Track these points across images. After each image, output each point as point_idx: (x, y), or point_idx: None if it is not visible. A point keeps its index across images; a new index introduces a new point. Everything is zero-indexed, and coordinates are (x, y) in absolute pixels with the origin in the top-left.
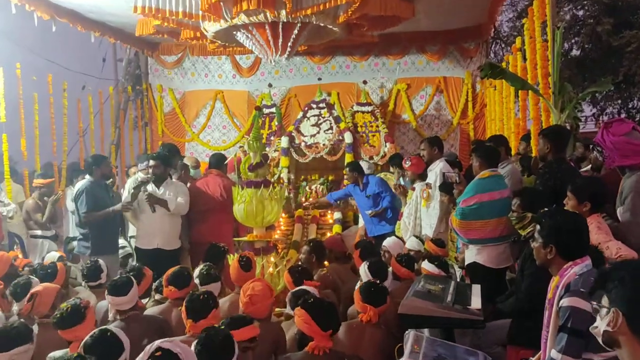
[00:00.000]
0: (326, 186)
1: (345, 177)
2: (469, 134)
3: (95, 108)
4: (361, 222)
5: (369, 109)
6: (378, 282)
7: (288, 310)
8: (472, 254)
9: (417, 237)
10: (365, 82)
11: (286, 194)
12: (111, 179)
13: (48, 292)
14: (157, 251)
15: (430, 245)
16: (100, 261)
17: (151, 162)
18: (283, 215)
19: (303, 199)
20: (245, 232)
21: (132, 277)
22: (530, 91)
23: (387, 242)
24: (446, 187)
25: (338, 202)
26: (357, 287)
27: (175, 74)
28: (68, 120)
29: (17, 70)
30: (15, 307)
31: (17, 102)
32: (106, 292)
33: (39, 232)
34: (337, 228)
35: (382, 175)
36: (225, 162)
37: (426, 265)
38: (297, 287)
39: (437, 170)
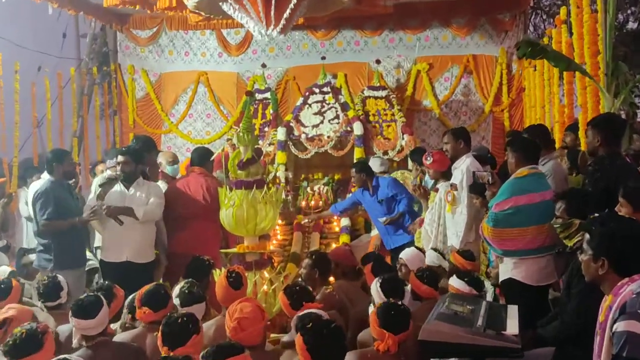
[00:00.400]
0: (331, 187)
1: (352, 178)
2: (504, 123)
3: (54, 93)
4: (374, 230)
5: (383, 93)
6: (400, 303)
7: (288, 337)
8: (507, 269)
9: (435, 249)
10: (378, 62)
11: (283, 196)
12: (74, 179)
13: (24, 317)
14: (127, 265)
15: (458, 258)
16: (60, 277)
17: (119, 158)
18: (279, 222)
19: (303, 203)
20: (234, 242)
21: (101, 297)
22: (577, 72)
23: (405, 254)
24: (477, 188)
25: (344, 214)
26: (372, 308)
27: (149, 52)
28: (20, 108)
29: None
30: None
31: None
32: (70, 314)
33: None
34: (344, 237)
35: (399, 174)
36: (212, 159)
37: (454, 282)
38: (295, 310)
39: (463, 167)
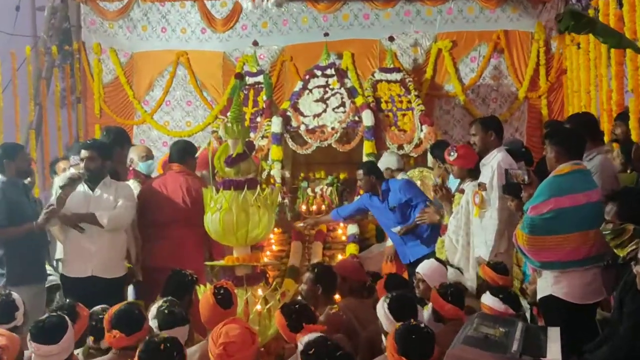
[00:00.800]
0: (336, 188)
1: (359, 181)
2: (541, 112)
3: (6, 77)
4: (389, 240)
5: (398, 76)
6: (423, 325)
7: None
8: (546, 284)
9: (452, 265)
10: (391, 39)
11: (279, 199)
12: (29, 178)
13: (14, 344)
14: (92, 280)
15: (487, 272)
16: (14, 295)
17: (83, 153)
18: (275, 229)
19: (303, 207)
20: (220, 253)
21: (65, 318)
22: (628, 50)
23: (423, 268)
24: (511, 188)
25: (348, 220)
26: (390, 330)
27: (119, 28)
28: None
29: None
30: None
31: None
32: (28, 338)
33: None
34: (352, 248)
35: (416, 172)
36: (195, 155)
37: (488, 300)
38: (294, 332)
39: (494, 164)
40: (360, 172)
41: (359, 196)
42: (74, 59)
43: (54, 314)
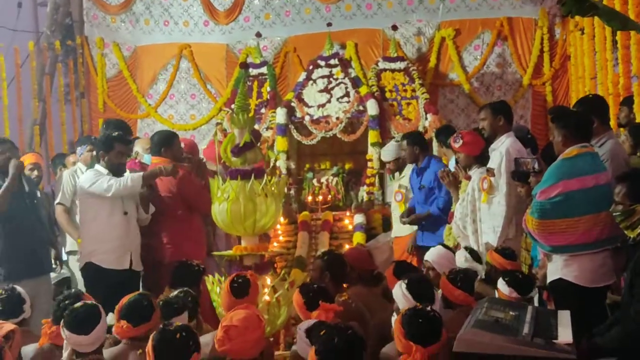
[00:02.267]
0: (341, 178)
1: (402, 152)
2: (546, 99)
3: (10, 73)
4: (398, 229)
5: (401, 65)
6: (430, 308)
7: (294, 347)
8: (556, 268)
9: (467, 248)
10: (395, 28)
11: (285, 189)
12: (36, 172)
13: (19, 332)
14: (129, 275)
15: (496, 258)
16: (19, 289)
17: (78, 150)
18: (281, 220)
19: (309, 198)
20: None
21: (100, 308)
22: (633, 33)
23: (431, 255)
24: (521, 176)
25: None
26: (397, 316)
27: (122, 22)
28: None
29: None
30: None
31: None
32: (63, 326)
33: None
34: (358, 237)
35: None
36: (171, 144)
37: (498, 285)
38: (311, 311)
39: (502, 149)
40: (405, 142)
41: (364, 185)
42: (77, 54)
43: (90, 302)
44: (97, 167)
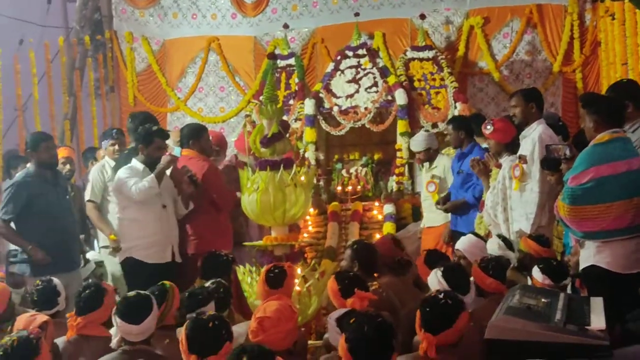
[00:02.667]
0: (371, 169)
1: (447, 136)
2: (576, 86)
3: (40, 69)
4: (431, 219)
5: (430, 54)
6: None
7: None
8: (589, 254)
9: (500, 236)
10: (423, 17)
11: (314, 180)
12: (69, 166)
13: (52, 323)
14: (171, 267)
15: (530, 244)
16: (55, 280)
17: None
18: (311, 210)
19: (338, 188)
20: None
21: (152, 299)
22: None
23: (462, 244)
24: (551, 163)
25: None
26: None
27: (150, 17)
28: (2, 87)
29: None
30: None
31: None
32: (114, 313)
33: None
34: (388, 227)
35: (452, 150)
36: (199, 136)
37: (537, 275)
38: (345, 298)
39: (535, 136)
40: (450, 126)
41: (393, 175)
42: (107, 49)
43: (144, 292)
44: (134, 162)
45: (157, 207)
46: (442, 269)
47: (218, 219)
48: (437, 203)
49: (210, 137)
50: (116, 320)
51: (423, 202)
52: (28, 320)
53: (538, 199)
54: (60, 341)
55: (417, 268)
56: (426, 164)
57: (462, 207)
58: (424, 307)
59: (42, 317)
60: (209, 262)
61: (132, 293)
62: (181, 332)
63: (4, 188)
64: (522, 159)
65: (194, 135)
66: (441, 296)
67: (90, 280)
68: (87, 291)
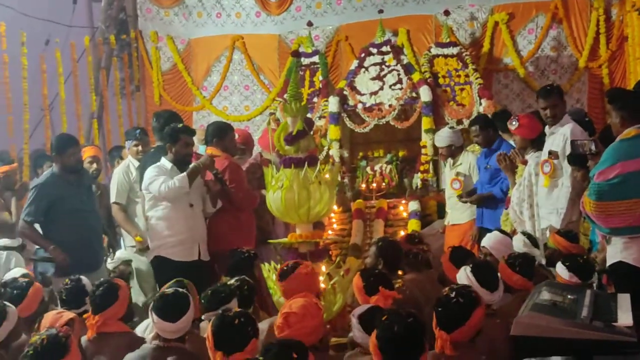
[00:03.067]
0: (395, 166)
1: (474, 137)
2: (602, 81)
3: (66, 68)
4: (456, 216)
5: (454, 51)
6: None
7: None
8: (616, 250)
9: (525, 233)
10: (447, 13)
11: (339, 178)
12: (95, 168)
13: (79, 320)
14: (198, 265)
15: (559, 240)
16: (84, 280)
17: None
18: (335, 208)
19: (363, 186)
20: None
21: (189, 297)
22: None
23: (488, 241)
24: (577, 159)
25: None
26: None
27: (174, 15)
28: (29, 86)
29: None
30: None
31: None
32: (151, 309)
33: (0, 242)
34: (413, 224)
35: (477, 147)
36: (223, 135)
37: (563, 272)
38: (369, 296)
39: (565, 131)
40: (476, 127)
41: (418, 172)
42: (132, 48)
43: (181, 290)
44: (162, 161)
45: (184, 205)
46: (471, 265)
47: (239, 217)
48: (460, 196)
49: (237, 136)
50: (153, 316)
51: (447, 200)
52: (54, 318)
53: (570, 194)
54: (82, 340)
55: (442, 265)
56: (450, 161)
57: (488, 200)
58: (437, 306)
59: (68, 315)
60: (230, 260)
61: (170, 290)
62: (207, 329)
63: (30, 188)
64: (553, 154)
65: (218, 134)
66: (453, 294)
67: (102, 279)
68: (100, 289)
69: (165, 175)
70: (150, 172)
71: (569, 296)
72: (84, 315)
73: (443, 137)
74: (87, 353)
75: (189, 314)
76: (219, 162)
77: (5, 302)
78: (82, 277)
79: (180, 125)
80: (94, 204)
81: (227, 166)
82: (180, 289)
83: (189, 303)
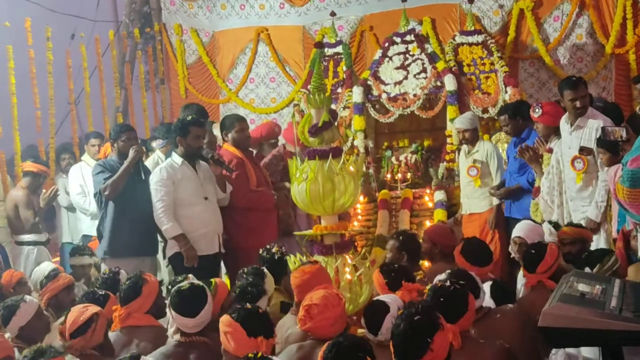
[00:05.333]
0: (420, 156)
1: (504, 127)
2: (629, 67)
3: (91, 63)
4: (475, 205)
5: (479, 39)
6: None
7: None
8: None
9: (552, 222)
10: (471, 2)
11: (364, 169)
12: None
13: (104, 314)
14: (217, 258)
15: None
16: (122, 273)
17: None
18: (361, 199)
19: (388, 176)
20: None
21: (206, 291)
22: None
23: (521, 231)
24: (608, 144)
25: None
26: None
27: (198, 8)
28: (54, 81)
29: None
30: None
31: None
32: (169, 306)
33: (27, 237)
34: (439, 214)
35: (502, 136)
36: (233, 129)
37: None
38: (393, 291)
39: (598, 126)
40: (505, 116)
41: (444, 162)
42: (156, 41)
43: (199, 284)
44: (173, 156)
45: (199, 200)
46: (491, 284)
47: (247, 215)
48: (492, 188)
49: (272, 129)
50: (171, 312)
51: (464, 188)
52: (80, 312)
53: (609, 187)
54: (111, 335)
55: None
56: (465, 149)
57: (516, 192)
58: (435, 298)
59: (93, 309)
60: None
61: (185, 285)
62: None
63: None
64: (586, 150)
65: (224, 127)
66: (448, 284)
67: (109, 269)
68: (127, 282)
69: (174, 176)
70: (159, 174)
71: (597, 286)
72: (113, 308)
73: (468, 118)
74: (115, 345)
75: (207, 307)
76: (227, 157)
77: (25, 295)
78: (122, 270)
79: (190, 117)
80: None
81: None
82: (196, 282)
83: (207, 296)
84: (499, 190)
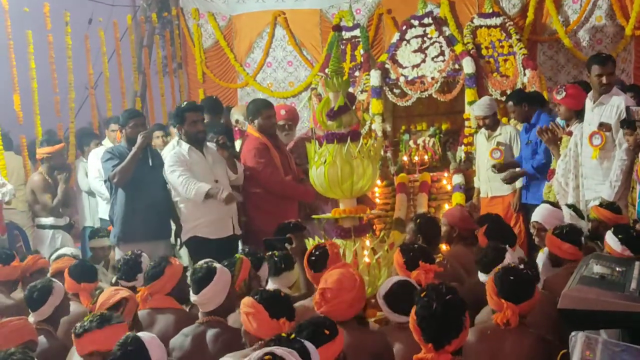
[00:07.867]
0: (438, 139)
1: (511, 113)
2: None
3: (110, 47)
4: (496, 188)
5: (498, 21)
6: (523, 267)
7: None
8: None
9: (570, 206)
10: None
11: (382, 152)
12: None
13: (134, 298)
14: (233, 240)
15: (602, 212)
16: (144, 256)
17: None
18: (379, 182)
19: (405, 159)
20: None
21: (214, 269)
22: None
23: (540, 216)
24: (633, 125)
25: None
26: (490, 275)
27: None
28: (73, 66)
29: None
30: None
31: (4, 43)
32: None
33: (47, 221)
34: (457, 197)
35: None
36: (257, 115)
37: (609, 240)
38: (410, 270)
39: (619, 103)
40: (510, 104)
41: (462, 145)
42: (173, 26)
43: (208, 264)
44: (181, 144)
45: (210, 183)
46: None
47: (265, 199)
48: (494, 166)
49: (282, 111)
50: (191, 294)
51: (484, 172)
52: (110, 295)
53: (625, 166)
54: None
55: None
56: (485, 133)
57: (521, 177)
58: (505, 278)
59: (124, 292)
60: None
61: (200, 263)
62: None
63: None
64: (605, 126)
65: (250, 113)
66: (522, 267)
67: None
68: (152, 263)
69: (185, 163)
70: (171, 159)
71: (617, 269)
72: (138, 288)
73: (485, 105)
74: (142, 326)
75: (210, 286)
76: (249, 142)
77: (51, 278)
78: (144, 253)
79: (185, 103)
80: (162, 180)
81: (244, 145)
82: (208, 264)
83: (212, 275)
84: (505, 173)
